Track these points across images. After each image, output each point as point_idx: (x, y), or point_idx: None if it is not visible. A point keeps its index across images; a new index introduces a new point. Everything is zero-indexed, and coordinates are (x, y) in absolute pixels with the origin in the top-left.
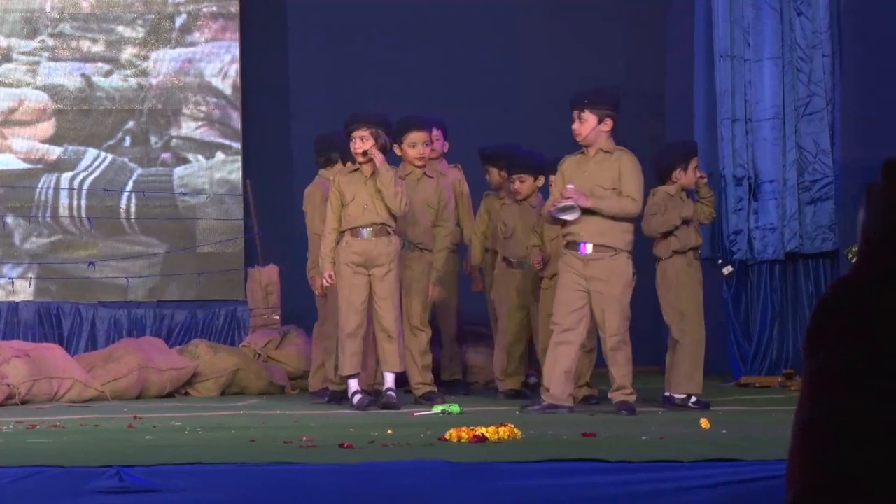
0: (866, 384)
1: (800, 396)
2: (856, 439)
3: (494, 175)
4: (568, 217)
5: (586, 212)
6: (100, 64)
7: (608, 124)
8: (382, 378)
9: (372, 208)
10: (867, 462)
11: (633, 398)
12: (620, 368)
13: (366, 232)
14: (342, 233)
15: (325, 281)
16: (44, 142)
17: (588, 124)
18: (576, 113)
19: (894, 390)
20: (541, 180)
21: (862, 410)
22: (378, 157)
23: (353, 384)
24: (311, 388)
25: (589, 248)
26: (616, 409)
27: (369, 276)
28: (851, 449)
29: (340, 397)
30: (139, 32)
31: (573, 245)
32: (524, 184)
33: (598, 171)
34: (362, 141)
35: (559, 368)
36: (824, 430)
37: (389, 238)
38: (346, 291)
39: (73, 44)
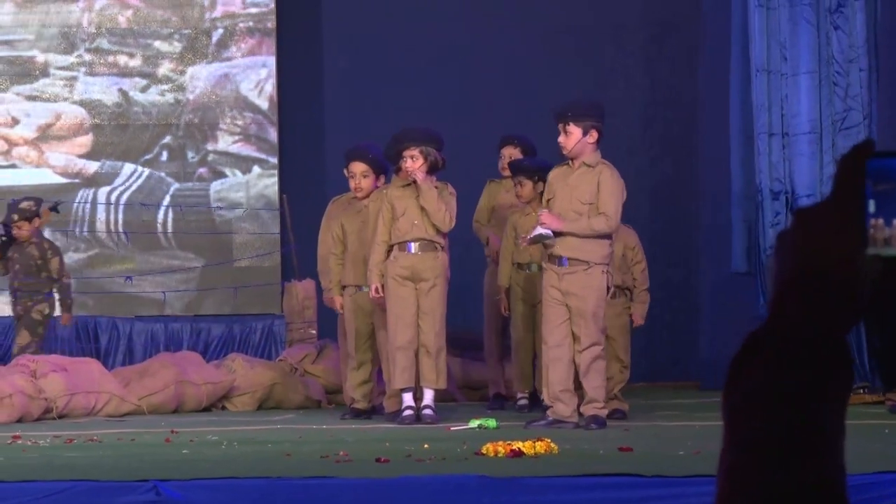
0: (799, 407)
1: (725, 432)
2: (805, 457)
3: (528, 188)
4: (546, 241)
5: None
6: (137, 79)
7: (593, 136)
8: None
9: (420, 224)
10: (821, 476)
11: (604, 412)
12: (592, 381)
13: (413, 247)
14: (391, 247)
15: (371, 294)
16: (81, 156)
17: (573, 137)
18: (561, 126)
19: (823, 412)
20: None
21: (802, 431)
22: (419, 175)
23: (407, 398)
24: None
25: (566, 262)
26: (585, 423)
27: (416, 289)
28: (801, 466)
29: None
30: (176, 47)
31: (554, 259)
32: None
33: (579, 185)
34: (412, 160)
35: (556, 388)
36: (769, 449)
37: (436, 254)
38: (394, 305)
39: (110, 59)
